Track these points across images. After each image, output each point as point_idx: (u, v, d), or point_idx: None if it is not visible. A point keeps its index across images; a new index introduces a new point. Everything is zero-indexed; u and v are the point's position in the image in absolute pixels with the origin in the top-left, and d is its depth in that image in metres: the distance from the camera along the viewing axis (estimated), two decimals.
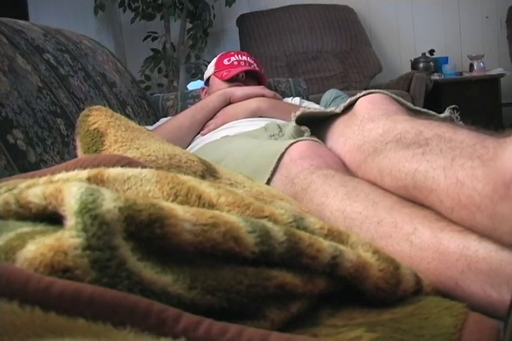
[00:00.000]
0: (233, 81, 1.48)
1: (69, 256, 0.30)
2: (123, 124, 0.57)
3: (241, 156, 0.86)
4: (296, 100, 1.54)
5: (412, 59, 3.37)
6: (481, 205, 0.47)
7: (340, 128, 0.78)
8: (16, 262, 0.31)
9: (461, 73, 3.32)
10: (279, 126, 1.09)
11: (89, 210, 0.31)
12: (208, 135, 1.28)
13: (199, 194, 0.43)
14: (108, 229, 0.31)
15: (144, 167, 0.46)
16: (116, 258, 0.31)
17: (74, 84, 1.21)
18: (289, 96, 1.66)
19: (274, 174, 0.75)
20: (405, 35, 3.62)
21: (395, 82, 2.96)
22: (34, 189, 0.37)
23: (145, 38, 3.30)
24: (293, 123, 0.87)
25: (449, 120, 0.76)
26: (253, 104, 1.34)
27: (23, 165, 0.84)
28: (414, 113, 0.75)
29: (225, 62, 1.53)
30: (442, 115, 0.77)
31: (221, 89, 1.42)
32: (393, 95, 0.77)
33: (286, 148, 0.76)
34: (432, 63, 3.32)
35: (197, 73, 3.32)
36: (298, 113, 0.83)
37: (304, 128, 0.84)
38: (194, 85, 2.08)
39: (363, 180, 0.67)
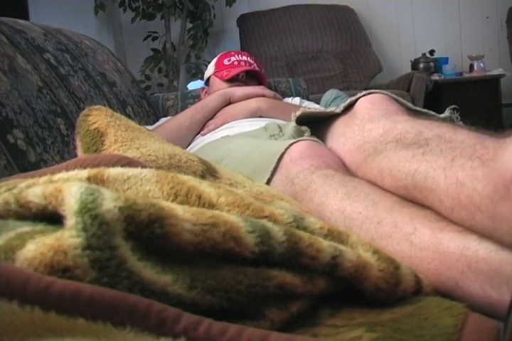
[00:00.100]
0: (233, 81, 1.48)
1: (69, 255, 0.30)
2: (123, 124, 0.57)
3: (241, 156, 0.86)
4: (296, 100, 1.54)
5: (412, 59, 3.37)
6: (481, 205, 0.47)
7: (340, 128, 0.78)
8: (16, 262, 0.31)
9: (461, 73, 3.32)
10: (279, 126, 1.09)
11: (89, 210, 0.31)
12: (207, 135, 1.28)
13: (199, 194, 0.43)
14: (108, 228, 0.31)
15: (144, 167, 0.46)
16: (116, 258, 0.31)
17: (74, 83, 1.21)
18: (289, 96, 1.66)
19: (274, 174, 0.75)
20: (405, 35, 3.62)
21: (395, 82, 2.96)
22: (34, 188, 0.37)
23: (145, 38, 3.30)
24: (293, 123, 0.87)
25: (449, 120, 0.76)
26: (253, 104, 1.34)
27: (23, 164, 0.84)
28: (414, 113, 0.75)
29: (225, 62, 1.53)
30: (442, 115, 0.77)
31: (221, 89, 1.42)
32: (393, 95, 0.77)
33: (286, 148, 0.76)
34: (432, 63, 3.32)
35: (197, 73, 3.32)
36: (298, 113, 0.83)
37: (304, 128, 0.84)
38: (194, 85, 2.08)
39: (363, 180, 0.67)
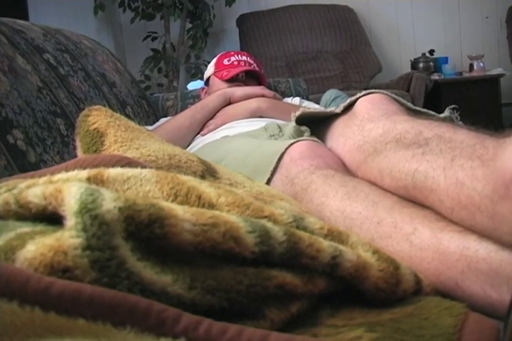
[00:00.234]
0: (233, 81, 1.48)
1: (69, 256, 0.30)
2: (123, 124, 0.57)
3: (241, 156, 0.87)
4: (296, 100, 1.54)
5: (412, 59, 3.37)
6: (481, 205, 0.47)
7: (340, 128, 0.78)
8: (16, 262, 0.31)
9: (461, 73, 3.32)
10: (279, 126, 1.09)
11: (89, 210, 0.31)
12: (207, 135, 1.28)
13: (199, 194, 0.43)
14: (108, 229, 0.31)
15: (143, 167, 0.46)
16: (116, 258, 0.31)
17: (74, 84, 1.21)
18: (289, 96, 1.66)
19: (274, 174, 0.75)
20: (405, 35, 3.62)
21: (394, 82, 2.96)
22: (34, 189, 0.37)
23: (145, 38, 3.30)
24: (293, 123, 0.87)
25: (448, 120, 0.76)
26: (253, 104, 1.34)
27: (23, 165, 0.84)
28: (414, 113, 0.75)
29: (225, 62, 1.53)
30: (442, 115, 0.77)
31: (221, 89, 1.42)
32: (393, 95, 0.77)
33: (286, 148, 0.76)
34: (431, 63, 3.32)
35: (197, 73, 3.32)
36: (298, 113, 0.83)
37: (303, 128, 0.84)
38: (194, 85, 2.08)
39: (362, 180, 0.67)
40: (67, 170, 0.45)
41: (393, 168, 0.61)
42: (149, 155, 0.53)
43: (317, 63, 3.24)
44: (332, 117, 0.81)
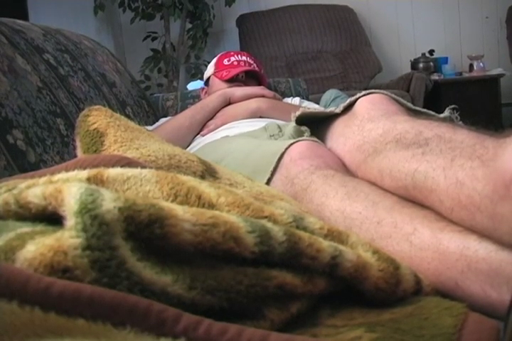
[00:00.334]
0: (233, 81, 1.48)
1: (69, 256, 0.30)
2: (123, 124, 0.57)
3: (241, 156, 0.87)
4: (296, 100, 1.54)
5: (412, 59, 3.37)
6: (481, 205, 0.47)
7: (340, 129, 0.78)
8: (16, 262, 0.31)
9: (460, 73, 3.32)
10: (279, 126, 1.09)
11: (89, 210, 0.31)
12: (207, 135, 1.28)
13: (199, 194, 0.43)
14: (108, 229, 0.31)
15: (143, 167, 0.46)
16: (116, 259, 0.31)
17: (74, 84, 1.21)
18: (289, 97, 1.66)
19: (274, 174, 0.75)
20: (405, 35, 3.62)
21: (394, 82, 2.96)
22: (34, 189, 0.37)
23: (145, 38, 3.30)
24: (293, 124, 0.87)
25: (448, 120, 0.76)
26: (253, 104, 1.34)
27: (22, 165, 0.84)
28: (414, 113, 0.75)
29: (225, 62, 1.53)
30: (442, 115, 0.77)
31: (221, 89, 1.42)
32: (393, 95, 0.77)
33: (286, 148, 0.76)
34: (431, 63, 3.32)
35: (197, 73, 3.32)
36: (298, 113, 0.83)
37: (303, 128, 0.84)
38: (194, 85, 2.08)
39: (362, 180, 0.67)
40: (67, 170, 0.45)
41: (393, 168, 0.61)
42: (149, 156, 0.53)
43: (317, 63, 3.24)
44: (332, 117, 0.81)
